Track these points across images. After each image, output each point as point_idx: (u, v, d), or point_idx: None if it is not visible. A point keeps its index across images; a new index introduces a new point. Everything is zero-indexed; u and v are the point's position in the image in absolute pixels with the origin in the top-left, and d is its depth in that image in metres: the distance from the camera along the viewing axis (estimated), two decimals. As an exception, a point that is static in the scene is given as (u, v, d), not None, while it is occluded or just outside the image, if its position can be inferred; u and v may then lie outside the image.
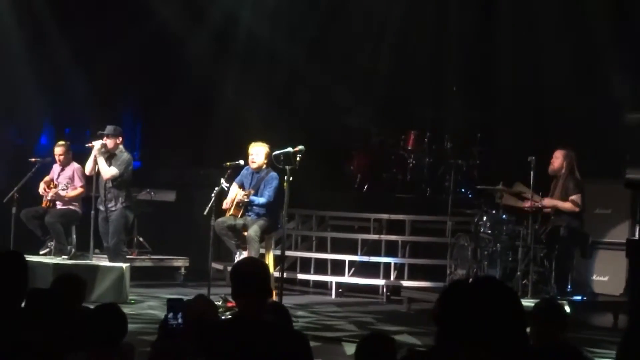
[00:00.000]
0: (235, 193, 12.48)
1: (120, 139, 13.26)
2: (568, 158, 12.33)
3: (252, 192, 12.39)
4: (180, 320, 4.64)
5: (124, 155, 13.20)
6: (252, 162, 12.50)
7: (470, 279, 12.20)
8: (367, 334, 5.45)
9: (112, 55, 17.01)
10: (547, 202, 12.28)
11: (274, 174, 12.45)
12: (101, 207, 13.06)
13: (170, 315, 4.64)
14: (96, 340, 5.35)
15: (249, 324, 5.11)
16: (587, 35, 14.85)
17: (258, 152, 12.50)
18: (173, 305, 4.68)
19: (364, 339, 5.42)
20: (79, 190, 13.79)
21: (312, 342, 5.85)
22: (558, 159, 12.39)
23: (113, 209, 13.08)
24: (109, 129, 13.18)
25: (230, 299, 11.62)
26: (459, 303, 3.79)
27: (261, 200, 12.40)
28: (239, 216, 12.45)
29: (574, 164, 12.33)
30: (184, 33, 17.33)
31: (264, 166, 12.52)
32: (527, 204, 12.15)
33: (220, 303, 11.56)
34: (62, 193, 13.70)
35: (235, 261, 11.80)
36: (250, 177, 12.60)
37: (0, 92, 16.89)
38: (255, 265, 5.55)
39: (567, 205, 12.24)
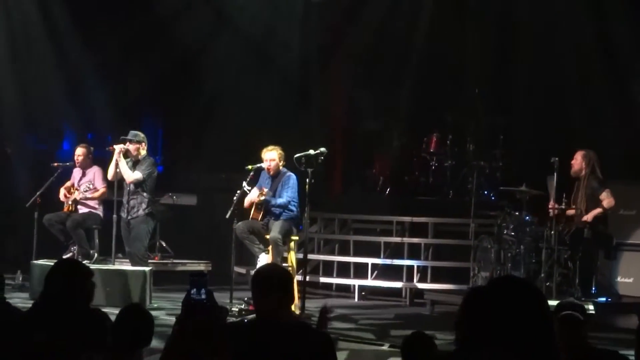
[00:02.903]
0: (254, 195, 12.46)
1: (144, 144, 13.20)
2: (587, 158, 12.27)
3: (270, 193, 12.35)
4: (203, 296, 4.57)
5: (148, 160, 13.16)
6: (269, 168, 12.46)
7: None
8: (409, 335, 5.54)
9: (134, 60, 17.07)
10: (586, 217, 12.17)
11: (291, 174, 12.40)
12: (123, 214, 13.02)
13: (194, 291, 4.58)
14: (121, 343, 5.30)
15: (271, 325, 5.07)
16: (610, 34, 14.78)
17: (273, 157, 12.44)
18: (196, 280, 4.61)
19: (406, 340, 5.52)
20: (102, 190, 13.78)
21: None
22: (577, 161, 12.34)
23: (135, 215, 13.03)
24: (132, 134, 13.14)
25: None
26: (482, 304, 3.74)
27: (279, 201, 12.35)
28: (260, 219, 12.42)
29: (595, 164, 12.27)
30: (204, 39, 17.36)
31: (280, 168, 12.52)
32: (551, 205, 12.09)
33: (242, 306, 11.54)
34: (87, 195, 13.71)
35: (258, 264, 11.79)
36: (269, 179, 12.58)
37: (22, 98, 16.96)
38: (276, 271, 5.49)
39: (603, 208, 12.14)
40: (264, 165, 12.47)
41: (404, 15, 16.83)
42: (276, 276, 5.24)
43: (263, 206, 12.40)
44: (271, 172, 12.47)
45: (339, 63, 17.40)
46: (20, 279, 13.60)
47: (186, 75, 17.73)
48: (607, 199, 12.17)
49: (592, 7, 15.13)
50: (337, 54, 17.32)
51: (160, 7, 17.09)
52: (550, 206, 12.18)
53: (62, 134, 18.47)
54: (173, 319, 4.80)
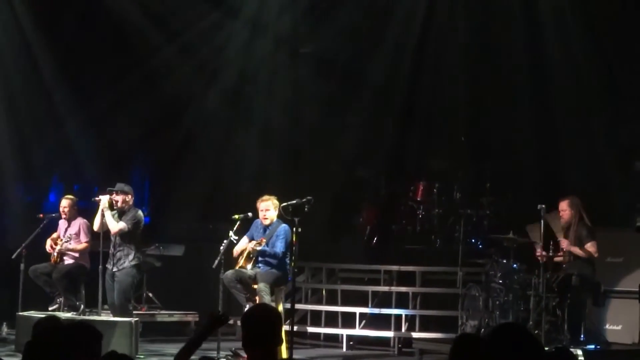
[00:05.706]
0: (245, 244, 12.39)
1: (130, 196, 13.14)
2: (574, 206, 12.28)
3: (264, 241, 12.28)
4: None
5: (133, 211, 13.09)
6: (264, 218, 12.37)
7: (482, 330, 12.12)
8: None
9: (121, 112, 17.09)
10: (566, 246, 12.16)
11: (285, 226, 12.33)
12: (109, 266, 12.91)
13: None
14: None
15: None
16: (593, 82, 14.87)
17: (268, 207, 12.38)
18: None
19: None
20: (84, 244, 13.73)
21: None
22: (566, 211, 12.32)
23: (121, 267, 12.91)
24: (119, 185, 13.10)
25: (240, 353, 11.54)
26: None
27: (273, 250, 12.31)
28: (250, 268, 12.36)
29: (581, 210, 12.28)
30: (191, 92, 17.42)
31: (274, 218, 12.47)
32: (538, 252, 12.08)
33: (230, 357, 11.47)
34: (69, 246, 13.63)
35: (245, 312, 11.71)
36: (262, 230, 12.51)
37: (10, 149, 16.93)
38: (267, 312, 5.46)
39: (584, 252, 12.14)
40: (260, 215, 12.41)
41: (389, 66, 16.88)
42: (267, 321, 5.21)
43: (255, 256, 12.34)
44: (267, 222, 12.40)
45: (327, 113, 17.41)
46: (6, 331, 13.50)
47: (173, 127, 17.73)
48: (592, 248, 12.16)
49: (575, 55, 15.24)
50: (324, 103, 17.34)
51: (147, 59, 17.14)
52: (538, 254, 12.18)
53: (49, 186, 18.42)
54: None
